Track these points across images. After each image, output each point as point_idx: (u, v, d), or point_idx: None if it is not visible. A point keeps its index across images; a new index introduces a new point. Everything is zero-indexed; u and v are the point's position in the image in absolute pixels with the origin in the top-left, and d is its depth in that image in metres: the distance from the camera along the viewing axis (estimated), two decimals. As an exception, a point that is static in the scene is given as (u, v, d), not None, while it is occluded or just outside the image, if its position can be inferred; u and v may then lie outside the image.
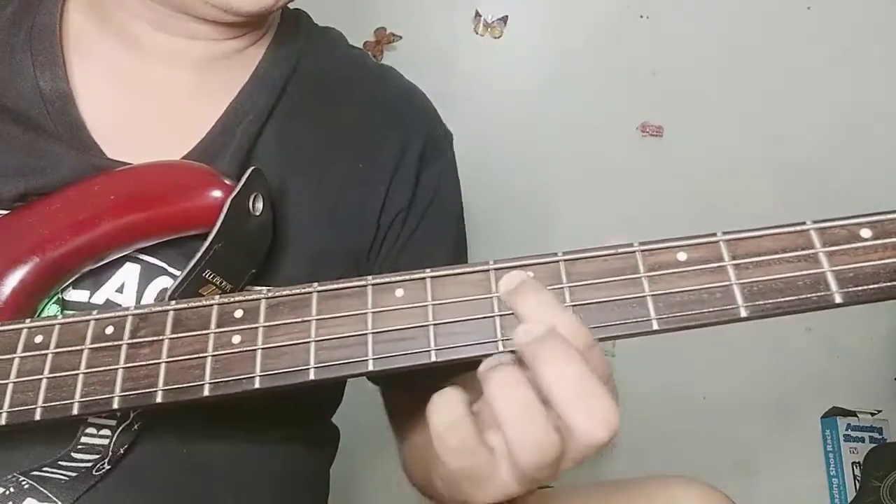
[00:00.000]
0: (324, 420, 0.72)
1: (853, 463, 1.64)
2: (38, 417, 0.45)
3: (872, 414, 1.70)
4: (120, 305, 0.56)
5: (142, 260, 0.57)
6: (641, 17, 1.73)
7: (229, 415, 0.57)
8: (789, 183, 1.67)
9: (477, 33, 1.73)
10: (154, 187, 0.55)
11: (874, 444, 1.64)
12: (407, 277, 0.44)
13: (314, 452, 0.69)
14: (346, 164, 0.65)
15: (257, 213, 0.54)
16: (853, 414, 1.69)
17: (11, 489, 0.51)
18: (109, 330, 0.46)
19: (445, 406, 0.39)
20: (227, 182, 0.54)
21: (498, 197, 1.60)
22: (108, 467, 0.54)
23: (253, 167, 0.55)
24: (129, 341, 0.45)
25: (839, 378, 1.70)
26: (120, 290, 0.57)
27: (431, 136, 0.70)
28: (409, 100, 0.72)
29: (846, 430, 1.66)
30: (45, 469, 0.52)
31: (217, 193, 0.53)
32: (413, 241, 0.67)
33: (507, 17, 1.73)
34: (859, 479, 1.61)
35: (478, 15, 1.73)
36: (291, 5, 0.67)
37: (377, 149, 0.66)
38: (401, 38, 1.70)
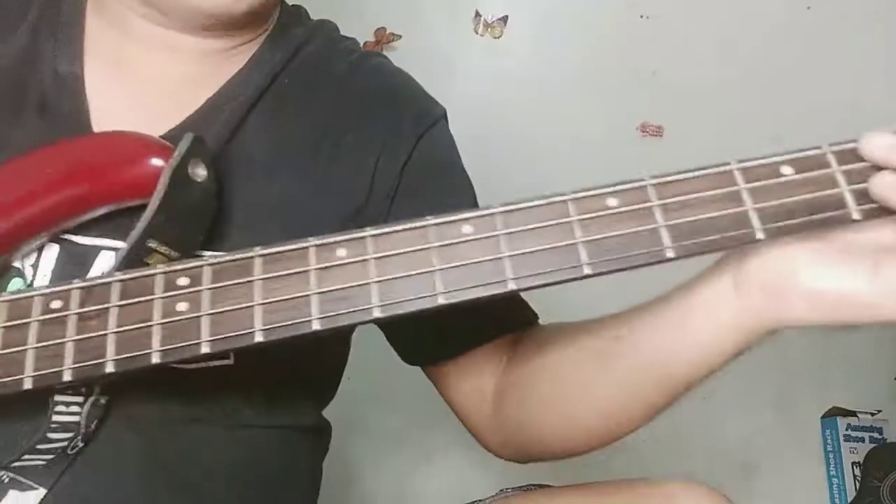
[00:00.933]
0: (315, 411, 0.72)
1: (853, 463, 1.64)
2: None
3: (872, 414, 1.69)
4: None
5: (68, 241, 0.57)
6: (641, 17, 1.73)
7: (211, 399, 0.57)
8: (789, 183, 1.67)
9: (477, 33, 1.73)
10: (92, 157, 0.55)
11: (874, 444, 1.64)
12: (348, 237, 0.45)
13: (304, 443, 0.69)
14: (336, 139, 0.66)
15: (199, 180, 0.54)
16: (853, 414, 1.69)
17: None
18: (56, 304, 0.46)
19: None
20: (164, 149, 0.54)
21: (497, 196, 1.60)
22: (82, 444, 0.54)
23: (191, 133, 0.55)
24: (77, 313, 0.45)
25: (839, 378, 1.70)
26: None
27: (423, 111, 0.71)
28: (400, 85, 0.73)
29: (846, 430, 1.66)
30: (24, 458, 0.52)
31: (156, 161, 0.53)
32: (416, 200, 0.67)
33: (507, 17, 1.73)
34: (859, 479, 1.61)
35: (478, 15, 1.73)
36: (290, 1, 0.67)
37: (368, 125, 0.67)
38: (401, 37, 1.70)
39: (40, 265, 0.56)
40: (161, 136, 0.59)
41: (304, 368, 0.64)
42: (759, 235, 0.42)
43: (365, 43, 1.68)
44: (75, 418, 0.53)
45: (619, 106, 1.71)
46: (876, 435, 1.67)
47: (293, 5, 0.73)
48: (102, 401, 0.54)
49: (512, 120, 1.70)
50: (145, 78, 0.64)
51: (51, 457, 0.52)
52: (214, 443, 0.60)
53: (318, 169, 0.65)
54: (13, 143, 0.58)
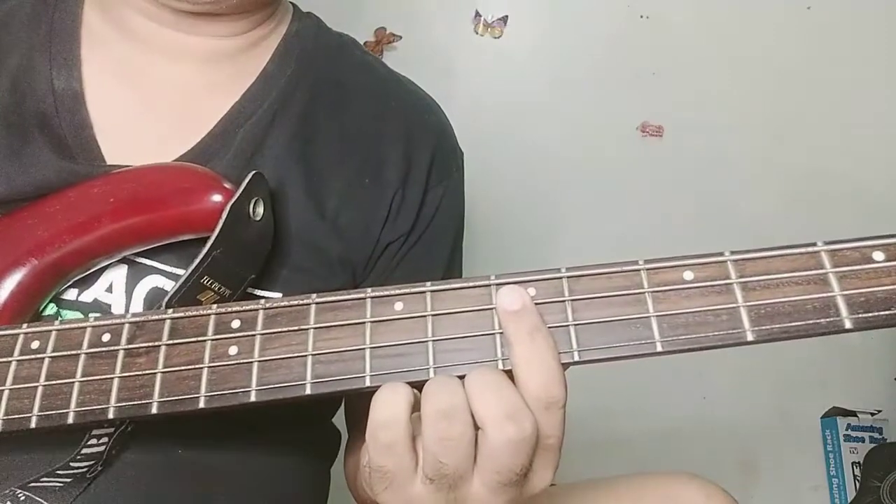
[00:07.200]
0: (324, 422, 0.72)
1: (853, 463, 1.64)
2: (32, 425, 0.44)
3: (872, 414, 1.70)
4: (109, 305, 0.56)
5: (129, 260, 0.57)
6: (641, 17, 1.73)
7: (226, 415, 0.56)
8: (789, 183, 1.67)
9: (477, 33, 1.73)
10: (154, 190, 0.54)
11: (874, 444, 1.64)
12: (407, 291, 0.43)
13: (314, 453, 0.68)
14: (350, 177, 0.64)
15: (258, 219, 0.54)
16: (853, 414, 1.69)
17: (8, 503, 0.51)
18: (106, 337, 0.45)
19: (389, 400, 0.40)
20: (227, 186, 0.53)
21: (498, 197, 1.60)
22: (101, 468, 0.54)
23: (254, 171, 0.54)
24: (126, 349, 0.45)
25: (839, 378, 1.70)
26: (109, 289, 0.56)
27: (440, 153, 0.68)
28: (418, 112, 0.70)
29: (846, 430, 1.66)
30: (42, 479, 0.52)
31: (217, 198, 0.53)
32: (407, 258, 0.67)
33: (507, 17, 1.73)
34: (859, 479, 1.61)
35: (478, 15, 1.73)
36: (303, 7, 0.66)
37: (382, 162, 0.65)
38: (401, 38, 1.70)
39: (113, 282, 0.56)
40: (177, 159, 0.58)
41: None
42: (848, 325, 0.39)
43: (365, 43, 1.68)
44: (101, 448, 0.53)
45: (619, 106, 1.71)
46: (876, 435, 1.67)
47: (307, 12, 0.71)
48: (129, 429, 0.54)
49: (512, 120, 1.70)
50: (149, 84, 0.62)
51: (68, 480, 0.52)
52: (226, 457, 0.60)
53: (331, 202, 0.63)
54: (30, 163, 0.57)
